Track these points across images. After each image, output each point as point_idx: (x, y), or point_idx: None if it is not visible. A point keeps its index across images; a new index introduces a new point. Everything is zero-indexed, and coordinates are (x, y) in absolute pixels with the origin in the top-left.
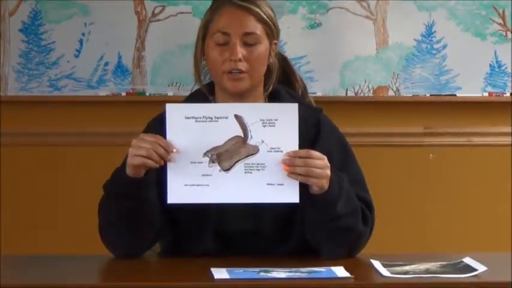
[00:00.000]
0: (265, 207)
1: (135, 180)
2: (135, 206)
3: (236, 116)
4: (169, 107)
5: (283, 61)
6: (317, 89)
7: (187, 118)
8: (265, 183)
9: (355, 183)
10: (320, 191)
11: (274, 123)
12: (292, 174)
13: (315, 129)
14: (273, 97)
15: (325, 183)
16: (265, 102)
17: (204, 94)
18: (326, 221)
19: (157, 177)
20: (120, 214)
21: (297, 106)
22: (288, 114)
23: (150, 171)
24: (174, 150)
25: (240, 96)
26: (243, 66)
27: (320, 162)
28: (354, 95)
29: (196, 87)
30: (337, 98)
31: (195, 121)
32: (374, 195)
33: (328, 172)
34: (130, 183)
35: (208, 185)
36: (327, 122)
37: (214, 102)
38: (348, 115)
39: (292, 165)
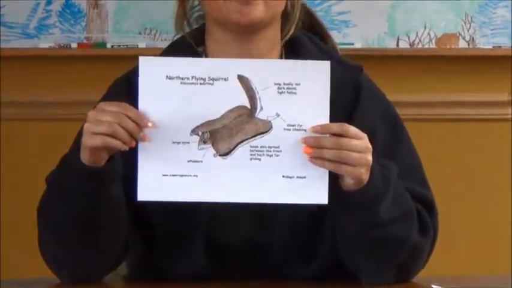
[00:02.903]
0: (280, 209)
1: (94, 171)
2: (94, 208)
3: (240, 78)
4: (144, 62)
5: (309, 15)
6: (355, 38)
7: (170, 78)
8: (280, 174)
9: (409, 174)
10: (356, 186)
11: (295, 88)
12: (316, 159)
13: (352, 95)
14: (292, 48)
15: (364, 174)
16: (282, 51)
17: (190, 46)
18: (365, 229)
19: (125, 164)
20: (71, 219)
21: (329, 65)
22: (315, 77)
23: (115, 156)
24: (150, 124)
25: (248, 36)
26: None
27: (358, 143)
28: (408, 46)
29: (180, 35)
30: (383, 51)
31: (181, 83)
32: (436, 192)
33: (369, 158)
34: (88, 176)
35: (196, 176)
36: (369, 85)
37: (206, 56)
38: (399, 76)
39: (317, 146)
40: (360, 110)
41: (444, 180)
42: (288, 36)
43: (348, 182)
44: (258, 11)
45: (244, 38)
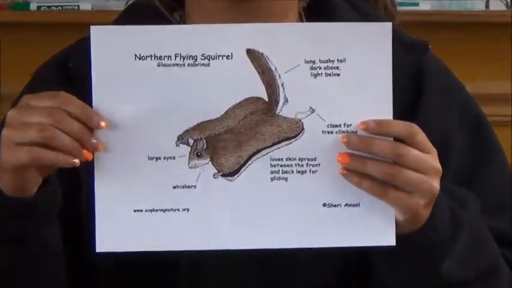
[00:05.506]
0: (300, 260)
1: (21, 204)
2: (21, 261)
3: (251, 54)
4: (99, 34)
5: None
6: None
7: (141, 58)
8: (320, 202)
9: (500, 208)
10: (409, 226)
11: (337, 68)
12: (352, 174)
13: (412, 87)
14: (316, 13)
15: (423, 209)
16: (301, 19)
17: (159, 11)
18: None
19: (63, 187)
20: None
21: (391, 28)
22: (370, 48)
23: (51, 178)
24: (103, 123)
25: (247, 4)
26: None
27: (424, 159)
28: (504, 8)
29: None
30: (465, 16)
31: (158, 65)
32: None
33: (435, 184)
34: (10, 211)
35: (187, 211)
36: (440, 72)
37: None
38: (489, 55)
39: (363, 151)
40: (425, 108)
41: None
42: None
43: (397, 217)
44: None
45: (241, 7)
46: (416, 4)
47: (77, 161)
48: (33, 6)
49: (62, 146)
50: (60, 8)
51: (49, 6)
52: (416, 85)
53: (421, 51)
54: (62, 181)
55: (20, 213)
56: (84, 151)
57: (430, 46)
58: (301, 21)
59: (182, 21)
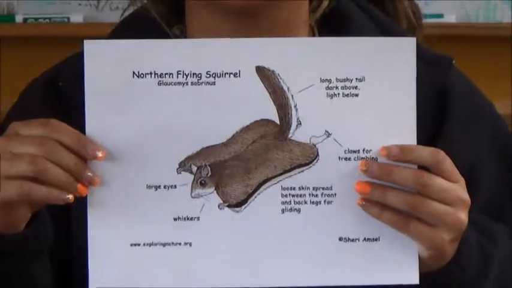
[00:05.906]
0: None
1: (8, 241)
2: None
3: (261, 71)
4: (94, 48)
5: None
6: (446, 6)
7: (140, 76)
8: (336, 236)
9: None
10: (434, 262)
11: (356, 87)
12: (371, 204)
13: (437, 106)
14: (330, 25)
15: (449, 244)
16: (312, 32)
17: (156, 25)
18: None
19: (54, 218)
20: None
21: (415, 44)
22: (393, 65)
23: (40, 213)
24: (100, 154)
25: (250, 20)
26: None
27: (450, 189)
28: None
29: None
30: (495, 29)
31: (159, 83)
32: None
33: (463, 217)
34: None
35: (190, 245)
36: (466, 90)
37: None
38: None
39: (383, 179)
40: (450, 132)
41: None
42: (322, 9)
43: (421, 253)
44: None
45: (245, 22)
46: (441, 16)
47: (70, 196)
48: (18, 19)
49: (54, 181)
50: (48, 20)
51: (36, 19)
52: (440, 106)
53: (444, 68)
54: (50, 212)
55: (7, 252)
56: (79, 185)
57: (454, 61)
58: (314, 36)
59: (183, 36)
